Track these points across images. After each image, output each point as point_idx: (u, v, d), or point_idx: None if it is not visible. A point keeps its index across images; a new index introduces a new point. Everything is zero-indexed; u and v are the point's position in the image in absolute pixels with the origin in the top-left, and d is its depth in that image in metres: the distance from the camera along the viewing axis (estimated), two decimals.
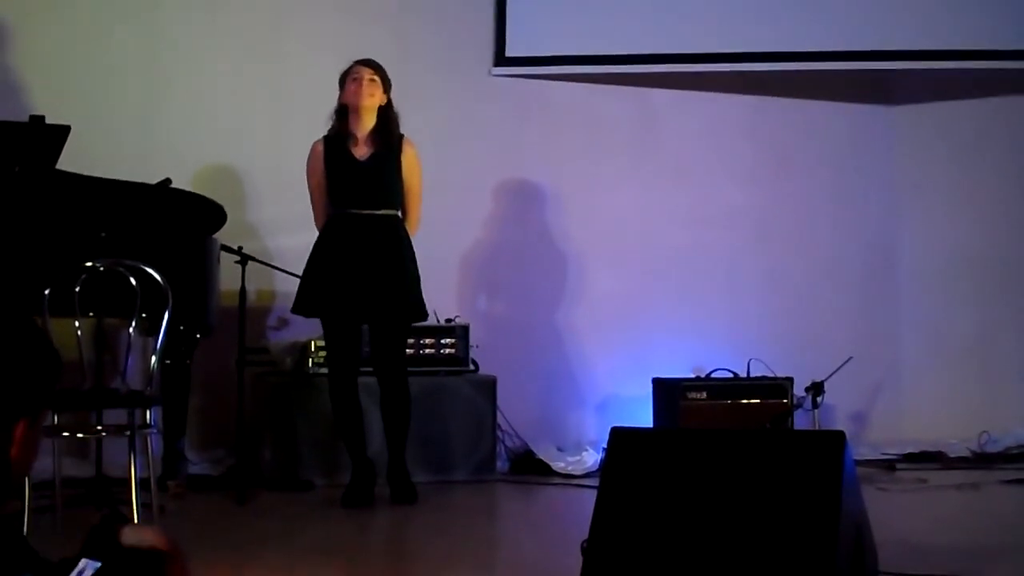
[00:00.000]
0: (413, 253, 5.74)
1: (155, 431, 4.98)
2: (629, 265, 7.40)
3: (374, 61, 5.70)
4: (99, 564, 1.93)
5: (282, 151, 6.61)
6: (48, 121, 5.44)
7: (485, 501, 6.17)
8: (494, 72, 7.34)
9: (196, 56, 6.91)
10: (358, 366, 5.76)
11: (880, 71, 7.51)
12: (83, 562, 1.94)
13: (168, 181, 5.71)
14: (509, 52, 7.32)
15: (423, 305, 5.77)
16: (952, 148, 7.75)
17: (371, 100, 5.66)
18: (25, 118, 5.49)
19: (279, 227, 6.72)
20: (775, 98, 7.66)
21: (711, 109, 7.59)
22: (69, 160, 5.44)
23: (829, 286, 7.63)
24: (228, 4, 6.98)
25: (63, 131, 5.33)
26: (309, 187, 5.79)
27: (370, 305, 5.65)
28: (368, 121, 5.70)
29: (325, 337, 5.80)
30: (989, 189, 7.69)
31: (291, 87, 6.94)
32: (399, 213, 5.75)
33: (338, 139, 5.72)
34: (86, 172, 5.53)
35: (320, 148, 5.74)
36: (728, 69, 7.38)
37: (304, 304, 5.74)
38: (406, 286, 5.70)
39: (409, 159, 5.75)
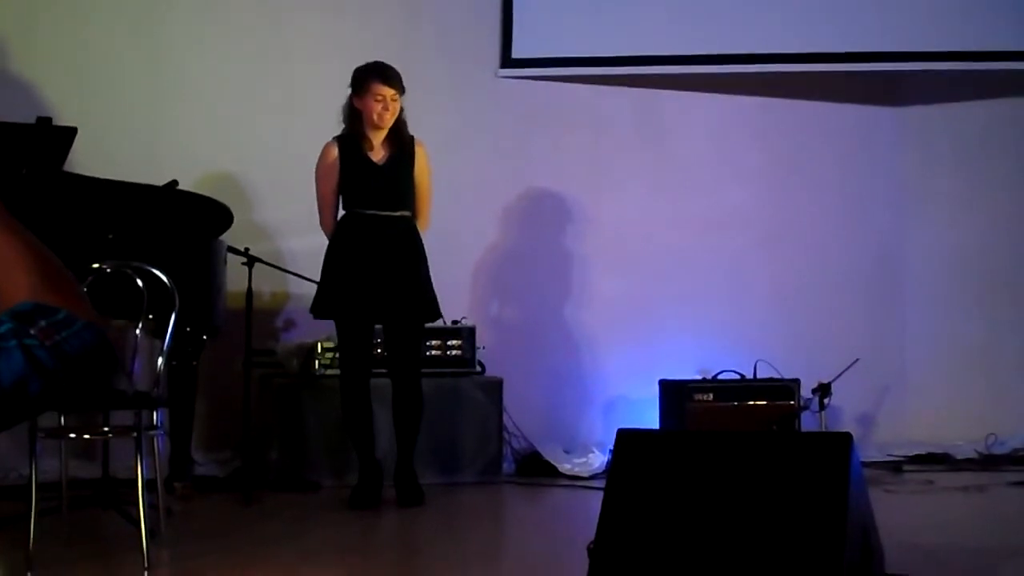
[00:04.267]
0: (425, 254, 5.75)
1: (162, 432, 4.99)
2: (636, 266, 7.40)
3: (394, 74, 5.65)
4: None
5: (289, 153, 6.62)
6: (55, 123, 5.44)
7: (491, 502, 6.17)
8: (500, 74, 7.34)
9: (202, 58, 6.92)
10: (371, 368, 5.76)
11: (888, 72, 7.50)
12: None
13: (175, 183, 5.71)
14: (515, 54, 7.32)
15: (437, 305, 5.78)
16: (960, 150, 7.74)
17: (393, 119, 5.68)
18: (32, 120, 5.49)
19: (286, 229, 6.73)
20: (782, 99, 7.65)
21: (718, 110, 7.59)
22: (76, 162, 5.45)
23: (836, 288, 7.62)
24: (234, 7, 6.99)
25: (70, 133, 5.33)
26: (320, 188, 5.77)
27: (387, 306, 5.66)
28: (384, 129, 5.72)
29: (339, 338, 5.80)
30: (997, 191, 7.68)
31: (297, 89, 6.95)
32: (411, 214, 5.77)
33: (352, 141, 5.72)
34: (93, 174, 5.53)
35: (335, 150, 5.74)
36: (734, 70, 7.38)
37: (323, 306, 5.74)
38: (421, 286, 5.71)
39: (421, 161, 5.78)
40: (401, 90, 5.67)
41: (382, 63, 5.70)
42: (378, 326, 5.84)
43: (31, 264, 1.57)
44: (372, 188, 5.69)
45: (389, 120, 5.67)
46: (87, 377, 1.46)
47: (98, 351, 1.46)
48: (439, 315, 5.85)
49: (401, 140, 5.74)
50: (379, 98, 5.64)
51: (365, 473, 5.70)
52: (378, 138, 5.73)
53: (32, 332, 1.41)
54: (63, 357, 1.42)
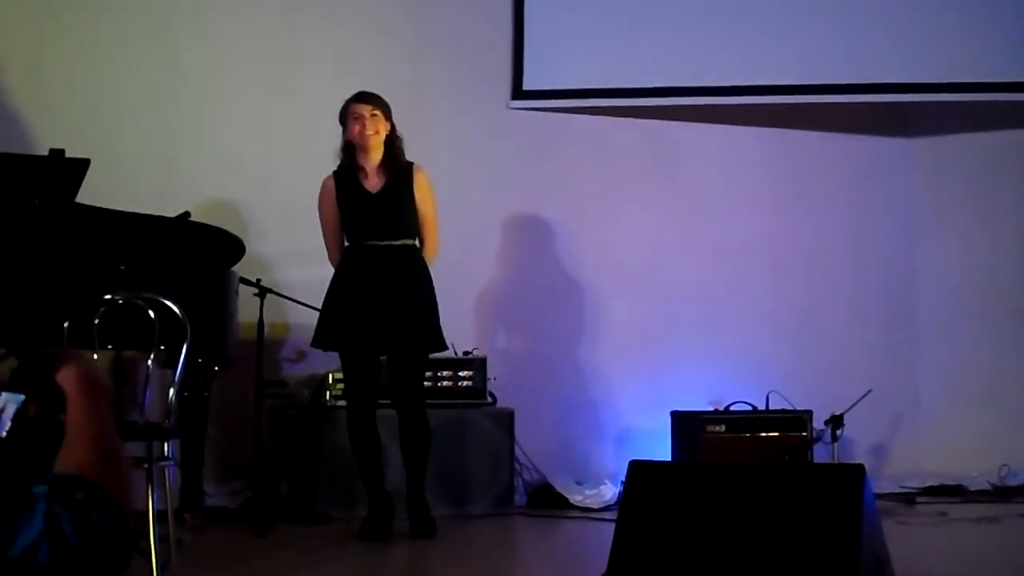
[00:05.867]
0: (431, 283, 5.73)
1: (173, 463, 4.97)
2: (647, 297, 7.39)
3: (369, 94, 5.70)
4: (22, 398, 1.73)
5: (301, 183, 6.62)
6: (68, 155, 5.45)
7: (503, 534, 6.14)
8: (511, 105, 7.36)
9: (214, 89, 6.95)
10: (377, 399, 5.75)
11: (898, 103, 7.50)
12: (3, 396, 1.74)
13: (187, 214, 5.73)
14: (527, 85, 7.34)
15: (442, 336, 5.75)
16: (970, 180, 7.73)
17: (376, 137, 5.67)
18: (45, 152, 5.51)
19: (297, 260, 6.73)
20: (792, 130, 7.66)
21: (728, 141, 7.59)
22: (89, 193, 5.46)
23: (848, 318, 7.61)
24: (245, 37, 7.02)
25: (83, 164, 5.35)
26: (321, 222, 5.80)
27: (389, 337, 5.65)
28: (376, 154, 5.71)
29: (343, 370, 5.79)
30: (1007, 221, 7.67)
31: (310, 120, 6.95)
32: (416, 242, 5.76)
33: (348, 173, 5.73)
34: (105, 205, 5.54)
35: (331, 184, 5.75)
36: (744, 101, 7.39)
37: (323, 338, 5.74)
38: (424, 317, 5.69)
39: (421, 186, 5.75)
40: (381, 108, 5.67)
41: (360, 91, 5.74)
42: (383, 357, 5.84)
43: (96, 438, 1.61)
44: (369, 218, 5.68)
45: (372, 138, 5.66)
46: (101, 559, 1.44)
47: (120, 537, 1.45)
48: (443, 346, 5.81)
49: (396, 167, 5.72)
50: (356, 116, 5.67)
51: (374, 505, 5.69)
52: (372, 166, 5.72)
53: (65, 501, 1.40)
54: (87, 533, 1.39)
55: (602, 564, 3.55)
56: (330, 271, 5.81)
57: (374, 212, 5.68)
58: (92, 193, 5.48)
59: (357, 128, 5.66)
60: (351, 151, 5.73)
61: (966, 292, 7.67)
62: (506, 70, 7.37)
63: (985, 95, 7.36)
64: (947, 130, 7.80)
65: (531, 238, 7.34)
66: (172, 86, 6.91)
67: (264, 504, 5.94)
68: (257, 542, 5.59)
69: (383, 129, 5.68)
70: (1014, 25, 7.35)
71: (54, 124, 6.57)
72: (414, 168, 5.76)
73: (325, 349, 5.80)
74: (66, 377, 1.73)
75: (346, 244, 5.76)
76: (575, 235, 7.38)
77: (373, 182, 5.72)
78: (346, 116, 5.71)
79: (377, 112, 5.67)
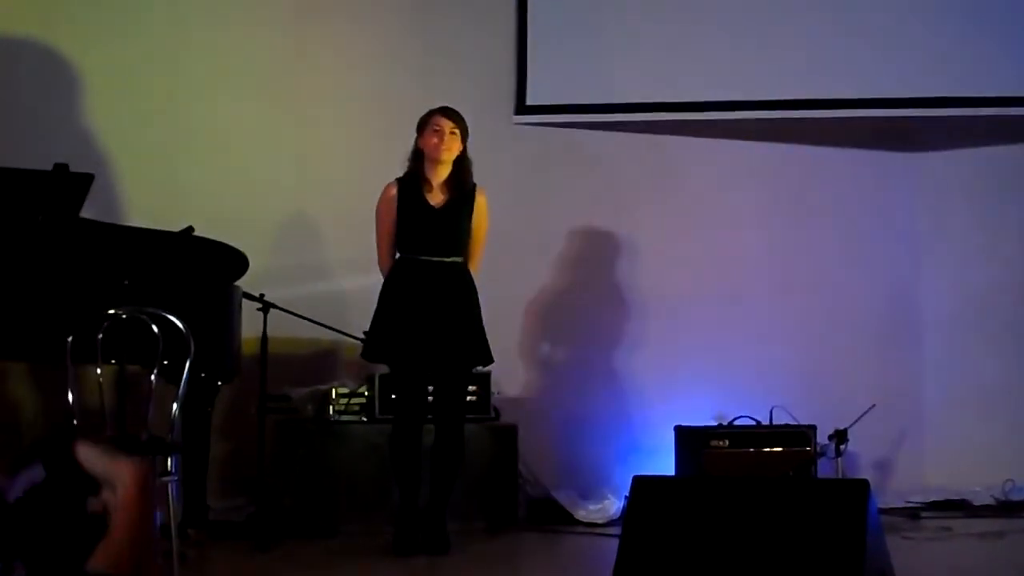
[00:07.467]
0: (478, 299, 5.75)
1: (176, 478, 4.97)
2: (649, 312, 7.38)
3: (455, 111, 5.69)
4: (41, 472, 1.73)
5: (306, 197, 6.63)
6: (72, 170, 5.46)
7: (506, 549, 6.13)
8: (515, 120, 7.36)
9: (219, 102, 6.94)
10: (425, 415, 5.75)
11: (900, 118, 7.50)
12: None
13: (191, 229, 5.73)
14: (530, 100, 7.35)
15: (488, 350, 5.78)
16: (972, 194, 7.74)
17: (449, 154, 5.66)
18: (49, 167, 5.52)
19: (301, 274, 6.73)
20: (795, 145, 7.66)
21: (730, 157, 7.59)
22: (92, 208, 5.47)
23: (851, 333, 7.60)
24: (251, 50, 7.02)
25: (86, 179, 5.35)
26: (378, 227, 5.77)
27: (439, 352, 5.65)
28: (444, 170, 5.70)
29: (393, 383, 5.80)
30: (1010, 235, 7.67)
31: (315, 133, 6.96)
32: (463, 259, 5.76)
33: (413, 183, 5.72)
34: (109, 220, 5.55)
35: (394, 192, 5.73)
36: (747, 117, 7.39)
37: (374, 350, 5.74)
38: (473, 332, 5.71)
39: (480, 208, 5.77)
40: (461, 129, 5.66)
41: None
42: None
43: (141, 544, 1.69)
44: (427, 232, 5.68)
45: (446, 154, 5.65)
46: None
47: None
48: (491, 359, 5.84)
49: (462, 185, 5.72)
50: (436, 128, 5.65)
51: (408, 519, 5.65)
52: (438, 180, 5.72)
53: None
54: None
55: None
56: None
57: (433, 227, 5.68)
58: (98, 208, 5.48)
59: (434, 140, 5.66)
60: (420, 160, 5.73)
61: (969, 306, 7.66)
62: (510, 85, 7.38)
63: (986, 110, 7.35)
64: (948, 145, 7.80)
65: (533, 253, 7.33)
66: (177, 99, 6.91)
67: (268, 519, 5.94)
68: (261, 557, 5.58)
69: (456, 149, 5.68)
70: (1015, 40, 7.35)
71: (58, 138, 6.57)
72: (477, 190, 5.77)
73: (376, 362, 5.82)
74: (125, 471, 1.74)
75: (397, 256, 5.75)
76: (576, 249, 7.38)
77: (437, 197, 5.71)
78: (425, 125, 5.69)
79: (457, 131, 5.66)
